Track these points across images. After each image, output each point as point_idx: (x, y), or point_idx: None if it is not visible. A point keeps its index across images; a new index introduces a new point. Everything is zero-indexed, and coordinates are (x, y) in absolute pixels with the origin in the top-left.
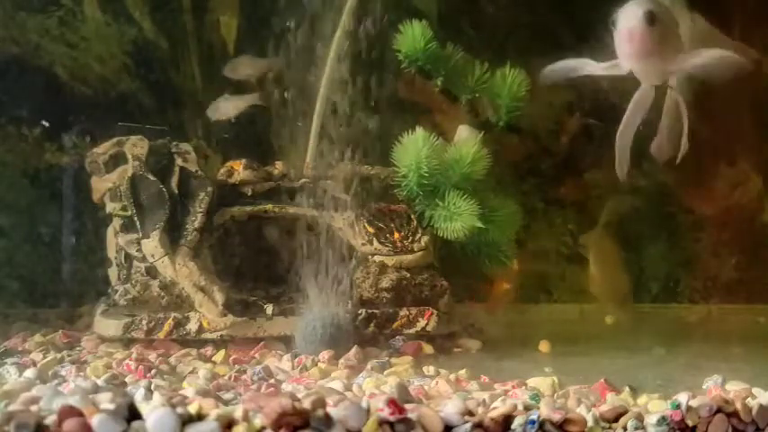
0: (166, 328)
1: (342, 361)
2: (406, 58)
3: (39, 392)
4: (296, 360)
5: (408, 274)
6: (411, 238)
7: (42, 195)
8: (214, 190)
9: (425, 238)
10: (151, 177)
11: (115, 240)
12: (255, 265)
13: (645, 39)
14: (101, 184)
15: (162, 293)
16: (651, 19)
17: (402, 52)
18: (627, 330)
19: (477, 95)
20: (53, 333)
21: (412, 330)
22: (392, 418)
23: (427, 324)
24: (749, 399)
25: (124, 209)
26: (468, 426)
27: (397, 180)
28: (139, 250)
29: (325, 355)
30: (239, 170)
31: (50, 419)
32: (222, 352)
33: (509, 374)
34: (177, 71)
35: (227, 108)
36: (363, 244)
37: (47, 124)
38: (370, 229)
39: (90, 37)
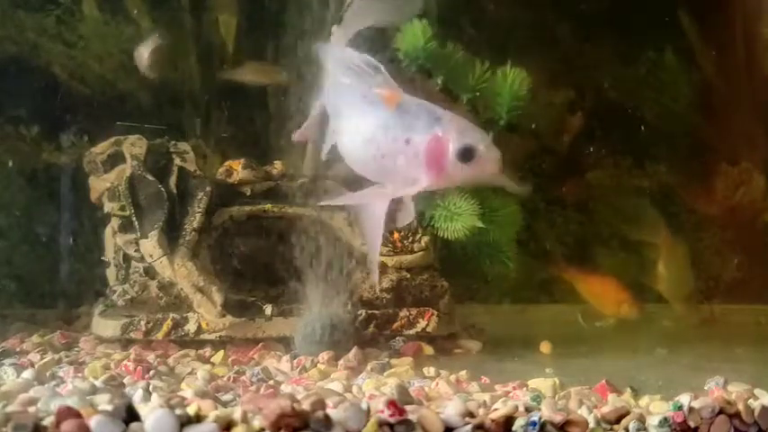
0: (165, 328)
1: (341, 362)
2: (407, 57)
3: (36, 393)
4: (295, 361)
5: (408, 275)
6: (411, 238)
7: (40, 195)
8: (213, 190)
9: (425, 239)
10: (149, 177)
11: (113, 240)
12: (254, 265)
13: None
14: (99, 184)
15: (160, 294)
16: None
17: (402, 51)
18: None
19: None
20: (51, 334)
21: (412, 331)
22: (392, 420)
23: (427, 325)
24: (751, 400)
25: (122, 209)
26: (468, 427)
27: None
28: (138, 250)
29: (324, 356)
30: (238, 170)
31: (48, 421)
32: (221, 353)
33: (510, 376)
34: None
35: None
36: (363, 244)
37: (45, 124)
38: None
39: (88, 36)
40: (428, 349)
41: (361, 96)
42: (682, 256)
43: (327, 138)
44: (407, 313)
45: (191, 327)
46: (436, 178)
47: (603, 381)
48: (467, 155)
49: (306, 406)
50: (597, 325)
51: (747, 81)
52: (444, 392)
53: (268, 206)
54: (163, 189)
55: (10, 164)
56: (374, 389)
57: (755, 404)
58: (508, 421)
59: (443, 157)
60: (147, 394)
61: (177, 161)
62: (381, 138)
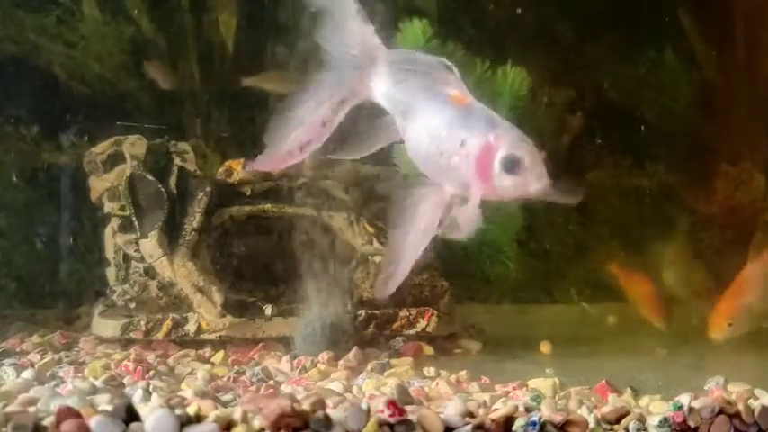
0: (165, 328)
1: (341, 362)
2: None
3: (36, 393)
4: (295, 361)
5: (408, 275)
6: None
7: (40, 195)
8: (213, 190)
9: None
10: (149, 177)
11: (113, 240)
12: (254, 265)
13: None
14: (99, 184)
15: (160, 294)
16: None
17: None
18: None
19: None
20: (51, 334)
21: (412, 331)
22: (392, 420)
23: (427, 325)
24: (751, 400)
25: (122, 209)
26: (468, 427)
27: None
28: (138, 250)
29: (324, 356)
30: (238, 170)
31: (48, 421)
32: (221, 353)
33: (510, 376)
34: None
35: None
36: (363, 244)
37: (45, 124)
38: (370, 229)
39: (88, 36)
40: (428, 349)
41: (431, 94)
42: (690, 260)
43: (369, 138)
44: (407, 313)
45: (191, 327)
46: (483, 184)
47: (603, 381)
48: (511, 164)
49: (306, 406)
50: (584, 305)
51: (747, 81)
52: (444, 392)
53: (268, 206)
54: (163, 189)
55: (10, 164)
56: (374, 389)
57: (755, 404)
58: (508, 421)
59: (490, 163)
60: (147, 394)
61: (177, 161)
62: (443, 135)
